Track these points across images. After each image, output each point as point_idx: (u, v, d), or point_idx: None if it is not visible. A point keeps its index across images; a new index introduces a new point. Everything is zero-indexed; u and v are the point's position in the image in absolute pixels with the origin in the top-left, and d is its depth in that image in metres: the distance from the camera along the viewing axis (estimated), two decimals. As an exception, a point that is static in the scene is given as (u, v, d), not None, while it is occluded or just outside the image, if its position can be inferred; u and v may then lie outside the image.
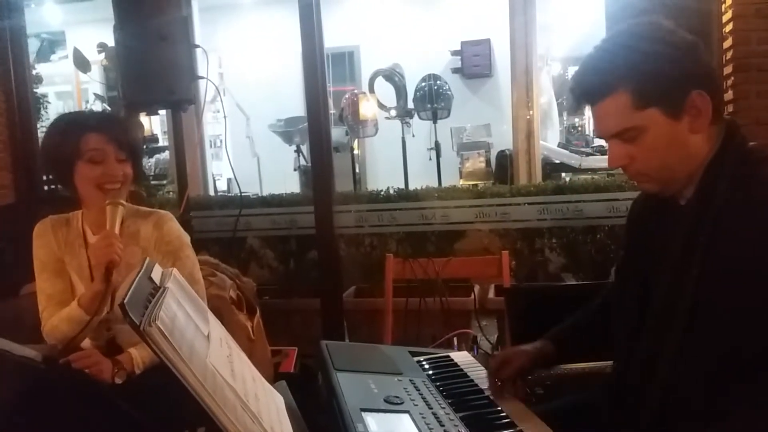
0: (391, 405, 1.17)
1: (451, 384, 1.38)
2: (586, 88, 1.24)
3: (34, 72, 4.22)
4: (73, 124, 1.74)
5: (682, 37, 1.18)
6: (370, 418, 1.10)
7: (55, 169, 1.77)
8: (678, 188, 1.24)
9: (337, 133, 5.70)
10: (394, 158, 6.10)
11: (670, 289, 1.19)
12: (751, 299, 1.10)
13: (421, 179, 4.96)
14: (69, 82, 8.07)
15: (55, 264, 1.79)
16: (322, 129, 3.27)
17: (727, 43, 3.00)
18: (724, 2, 2.99)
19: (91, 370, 1.59)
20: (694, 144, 1.19)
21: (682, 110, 1.16)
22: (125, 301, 0.89)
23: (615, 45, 1.21)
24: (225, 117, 3.96)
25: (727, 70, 3.00)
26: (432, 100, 5.90)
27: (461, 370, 1.49)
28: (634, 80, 1.16)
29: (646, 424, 1.20)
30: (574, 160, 6.19)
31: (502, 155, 6.20)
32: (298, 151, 6.47)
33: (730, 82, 3.00)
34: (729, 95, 3.00)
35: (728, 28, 2.99)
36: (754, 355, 1.11)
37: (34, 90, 4.13)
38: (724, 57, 2.98)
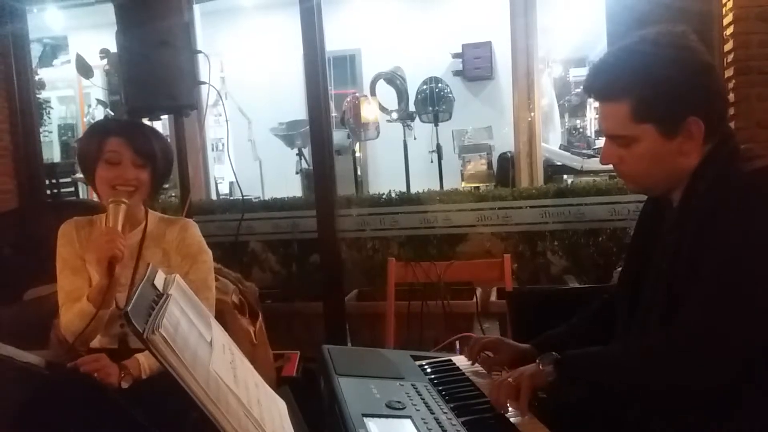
0: (393, 410, 1.17)
1: (453, 388, 1.38)
2: (595, 87, 1.30)
3: (36, 77, 4.25)
4: (100, 128, 1.89)
5: (698, 60, 1.21)
6: (372, 424, 1.10)
7: (83, 169, 1.88)
8: (660, 192, 1.31)
9: (338, 137, 5.71)
10: (396, 161, 6.10)
11: (652, 290, 1.26)
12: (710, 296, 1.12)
13: (423, 182, 4.95)
14: (71, 86, 8.09)
15: (75, 262, 1.86)
16: (323, 132, 3.28)
17: (728, 46, 2.99)
18: (725, 5, 2.99)
19: (98, 374, 1.62)
20: (681, 161, 1.23)
21: (676, 132, 1.21)
22: (129, 309, 0.90)
23: (633, 53, 1.24)
24: (227, 121, 3.99)
25: (728, 73, 3.00)
26: (433, 103, 5.91)
27: (463, 374, 1.49)
28: (638, 96, 1.20)
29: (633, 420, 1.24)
30: (575, 162, 6.19)
31: (503, 157, 6.20)
32: (300, 154, 6.48)
33: (730, 85, 2.99)
34: (730, 98, 3.00)
35: (729, 30, 2.99)
36: None
37: (37, 95, 4.15)
38: (724, 60, 2.98)
